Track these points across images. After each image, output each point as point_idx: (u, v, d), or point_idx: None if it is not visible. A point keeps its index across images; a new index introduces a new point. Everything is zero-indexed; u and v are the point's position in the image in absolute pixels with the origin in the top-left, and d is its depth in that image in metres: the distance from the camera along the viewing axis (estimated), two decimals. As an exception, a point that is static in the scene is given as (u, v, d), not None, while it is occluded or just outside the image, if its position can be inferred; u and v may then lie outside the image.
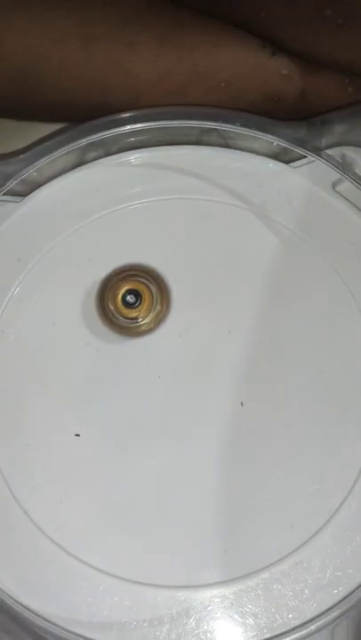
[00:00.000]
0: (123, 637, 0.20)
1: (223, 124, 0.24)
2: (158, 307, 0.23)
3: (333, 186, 0.25)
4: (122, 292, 0.23)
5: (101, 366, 0.23)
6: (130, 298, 0.23)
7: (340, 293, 0.24)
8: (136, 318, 0.23)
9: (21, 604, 0.20)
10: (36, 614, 0.20)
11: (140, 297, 0.23)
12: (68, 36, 0.24)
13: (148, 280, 0.23)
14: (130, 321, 0.23)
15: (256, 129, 0.24)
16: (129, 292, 0.23)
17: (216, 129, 0.25)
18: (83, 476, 0.22)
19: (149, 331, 0.23)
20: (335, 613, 0.20)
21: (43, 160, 0.25)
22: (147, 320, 0.23)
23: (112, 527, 0.21)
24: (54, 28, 0.24)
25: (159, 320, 0.24)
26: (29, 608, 0.20)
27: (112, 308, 0.23)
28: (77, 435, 0.23)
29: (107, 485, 0.22)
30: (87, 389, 0.23)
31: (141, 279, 0.23)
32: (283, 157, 0.26)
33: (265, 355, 0.23)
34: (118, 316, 0.23)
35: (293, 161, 0.25)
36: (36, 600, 0.20)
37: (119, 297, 0.23)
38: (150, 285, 0.23)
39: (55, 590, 0.20)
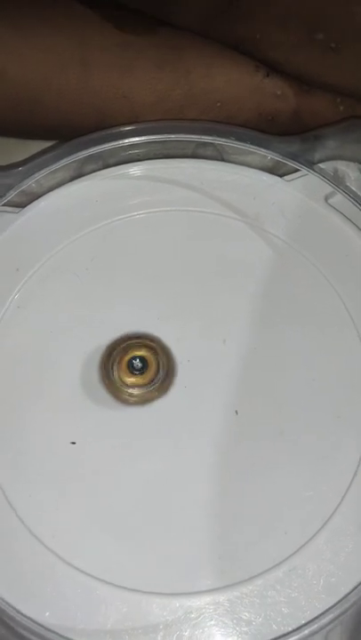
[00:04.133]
0: (117, 644, 0.20)
1: (219, 138, 0.25)
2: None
3: (326, 199, 0.26)
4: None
5: (97, 375, 0.24)
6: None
7: (333, 303, 0.25)
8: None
9: (16, 610, 0.20)
10: (32, 620, 0.20)
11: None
12: (67, 62, 0.24)
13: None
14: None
15: (251, 143, 0.25)
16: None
17: (212, 143, 0.26)
18: (78, 484, 0.22)
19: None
20: (329, 619, 0.20)
21: (42, 172, 0.25)
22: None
23: (107, 534, 0.21)
24: (54, 55, 0.24)
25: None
26: (24, 614, 0.20)
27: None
28: (73, 443, 0.23)
29: (102, 493, 0.22)
30: (83, 398, 0.23)
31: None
32: (277, 171, 0.26)
33: (259, 363, 0.24)
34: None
35: (287, 174, 0.26)
36: (31, 607, 0.20)
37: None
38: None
39: (50, 597, 0.20)
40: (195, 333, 0.24)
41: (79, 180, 0.26)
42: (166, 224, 0.26)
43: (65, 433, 0.23)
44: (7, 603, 0.20)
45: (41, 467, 0.22)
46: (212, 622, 0.20)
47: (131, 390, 0.23)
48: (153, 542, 0.21)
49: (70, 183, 0.26)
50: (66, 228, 0.26)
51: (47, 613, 0.20)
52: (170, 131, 0.25)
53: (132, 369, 0.23)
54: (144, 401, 0.23)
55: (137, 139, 0.26)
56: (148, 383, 0.23)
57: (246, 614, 0.20)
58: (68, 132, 0.26)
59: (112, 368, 0.23)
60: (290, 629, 0.20)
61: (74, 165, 0.26)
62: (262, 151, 0.25)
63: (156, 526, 0.22)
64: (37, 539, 0.21)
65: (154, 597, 0.21)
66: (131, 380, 0.23)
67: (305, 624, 0.20)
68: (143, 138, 0.26)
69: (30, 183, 0.25)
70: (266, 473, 0.22)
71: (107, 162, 0.27)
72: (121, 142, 0.26)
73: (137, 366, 0.23)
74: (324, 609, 0.20)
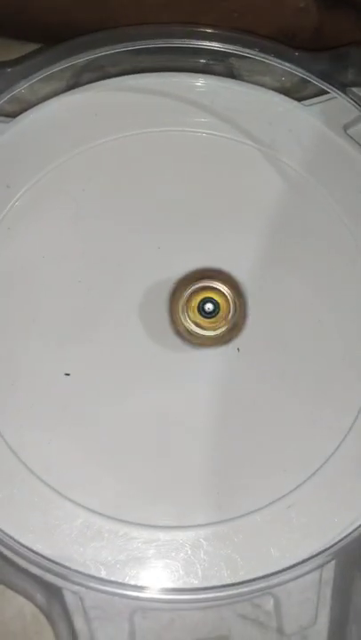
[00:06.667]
0: (113, 574, 0.20)
1: (241, 49, 0.22)
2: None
3: (345, 128, 0.24)
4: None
5: (93, 304, 0.22)
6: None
7: (344, 241, 0.23)
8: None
9: (13, 539, 0.20)
10: (27, 548, 0.20)
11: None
12: None
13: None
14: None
15: (275, 56, 0.22)
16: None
17: (225, 59, 0.23)
18: (72, 417, 0.22)
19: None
20: (325, 555, 0.20)
21: (36, 75, 0.23)
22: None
23: (102, 468, 0.21)
24: None
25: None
26: (21, 543, 0.20)
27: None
28: (67, 374, 0.22)
29: (97, 426, 0.22)
30: (78, 328, 0.22)
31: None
32: (294, 94, 0.24)
33: (264, 300, 0.23)
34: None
35: (306, 99, 0.24)
36: (26, 538, 0.20)
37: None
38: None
39: (45, 529, 0.20)
40: (197, 267, 0.23)
41: (77, 90, 0.24)
42: (172, 146, 0.24)
43: (59, 363, 0.22)
44: (4, 532, 0.20)
45: (34, 398, 0.22)
46: (208, 556, 0.20)
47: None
48: (150, 476, 0.21)
49: (67, 93, 0.24)
50: (62, 143, 0.23)
51: (41, 545, 0.20)
52: (183, 36, 0.22)
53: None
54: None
55: (144, 42, 0.23)
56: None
57: (243, 549, 0.20)
58: (68, 32, 0.23)
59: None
60: (286, 565, 0.20)
61: (71, 72, 0.23)
62: (287, 66, 0.22)
63: (153, 460, 0.21)
64: (31, 471, 0.21)
65: (150, 530, 0.21)
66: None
67: (301, 561, 0.20)
68: (151, 42, 0.23)
69: (22, 88, 0.23)
70: (267, 411, 0.22)
71: (108, 71, 0.24)
72: (126, 46, 0.23)
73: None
74: (321, 546, 0.20)
